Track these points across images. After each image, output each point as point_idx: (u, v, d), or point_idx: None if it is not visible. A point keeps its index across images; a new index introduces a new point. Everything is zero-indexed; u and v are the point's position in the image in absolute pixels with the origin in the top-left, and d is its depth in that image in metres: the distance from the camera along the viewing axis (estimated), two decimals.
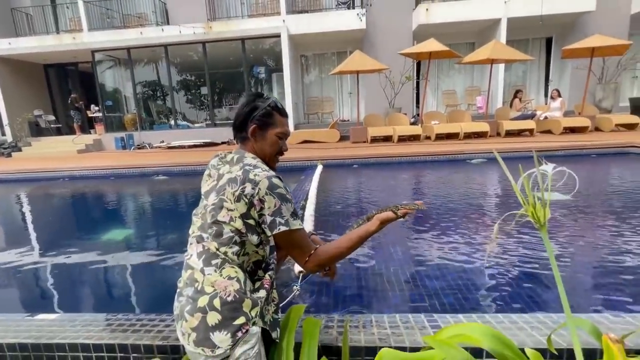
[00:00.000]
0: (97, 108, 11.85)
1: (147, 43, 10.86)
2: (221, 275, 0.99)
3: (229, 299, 0.95)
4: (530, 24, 10.35)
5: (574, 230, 2.84)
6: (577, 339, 0.82)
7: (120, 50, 11.24)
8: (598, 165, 5.65)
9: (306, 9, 11.45)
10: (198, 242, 1.05)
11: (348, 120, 11.81)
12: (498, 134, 8.57)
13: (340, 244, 1.11)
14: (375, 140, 8.83)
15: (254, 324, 0.96)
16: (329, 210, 3.86)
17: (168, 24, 11.55)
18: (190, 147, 10.24)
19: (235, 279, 1.00)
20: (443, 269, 2.18)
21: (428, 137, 8.76)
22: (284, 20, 10.45)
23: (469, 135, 8.59)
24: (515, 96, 9.48)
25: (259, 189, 1.00)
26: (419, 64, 11.84)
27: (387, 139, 8.82)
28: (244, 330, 0.94)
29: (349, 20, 10.27)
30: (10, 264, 2.81)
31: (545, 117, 8.82)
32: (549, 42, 11.59)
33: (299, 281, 1.71)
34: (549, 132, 8.64)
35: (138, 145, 11.10)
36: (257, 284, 1.08)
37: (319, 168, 5.66)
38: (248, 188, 1.00)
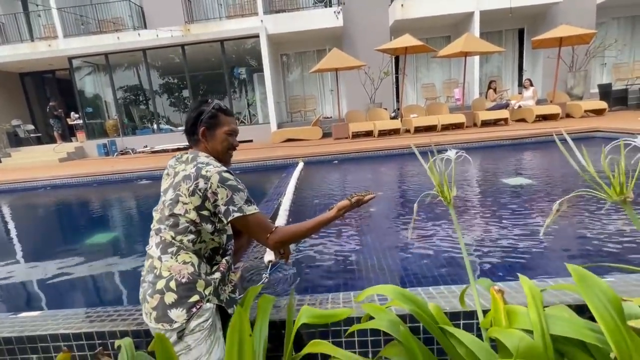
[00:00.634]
0: (77, 115, 11.71)
1: (124, 48, 10.79)
2: (177, 260, 1.13)
3: (183, 280, 1.10)
4: (502, 16, 10.66)
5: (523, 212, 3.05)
6: (476, 291, 0.98)
7: (98, 56, 11.14)
8: (570, 152, 5.93)
9: (283, 9, 11.53)
10: (156, 234, 1.19)
11: (331, 118, 11.96)
12: (475, 125, 8.85)
13: (300, 225, 1.27)
14: (356, 135, 9.02)
15: (208, 300, 1.11)
16: (307, 204, 4.01)
17: (145, 27, 11.47)
18: (174, 150, 10.25)
19: (190, 263, 1.14)
20: (403, 253, 2.36)
21: (408, 131, 8.98)
22: (261, 21, 10.52)
23: (447, 127, 8.84)
24: (489, 87, 9.78)
25: (211, 183, 1.13)
26: (397, 59, 12.06)
27: (369, 134, 9.02)
28: (198, 307, 1.08)
29: (326, 18, 10.41)
30: None
31: (519, 106, 9.14)
32: (521, 33, 11.94)
33: (268, 270, 1.86)
34: (523, 120, 8.96)
35: (121, 151, 11.04)
36: (215, 268, 1.22)
37: (300, 165, 5.80)
38: (201, 183, 1.14)
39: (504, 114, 8.62)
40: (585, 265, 0.90)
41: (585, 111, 8.73)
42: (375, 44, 10.06)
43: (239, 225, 1.20)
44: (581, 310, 1.08)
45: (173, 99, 13.11)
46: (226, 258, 1.25)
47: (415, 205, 1.11)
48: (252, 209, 1.18)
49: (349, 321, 1.26)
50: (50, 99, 12.14)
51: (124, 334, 1.38)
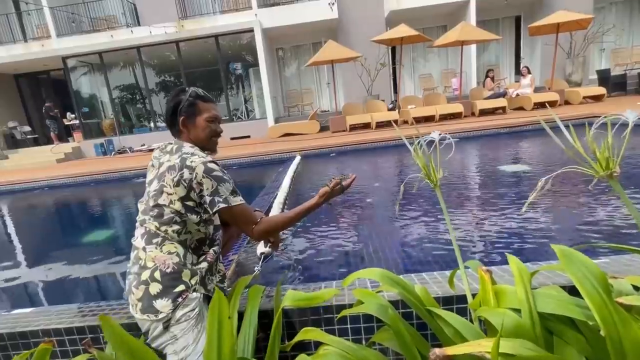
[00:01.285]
0: (73, 115, 11.67)
1: (118, 46, 10.71)
2: (161, 251, 1.12)
3: (168, 270, 1.08)
4: (498, 3, 10.54)
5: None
6: (464, 273, 0.97)
7: (92, 55, 11.06)
8: (561, 137, 5.89)
9: (278, 2, 11.41)
10: (141, 225, 1.18)
11: (328, 111, 11.90)
12: (473, 114, 8.80)
13: (284, 215, 1.27)
14: (354, 128, 8.97)
15: (194, 290, 1.10)
16: (305, 198, 4.00)
17: (139, 25, 11.38)
18: None
19: (175, 253, 1.12)
20: (402, 241, 2.35)
21: (406, 122, 8.93)
22: (256, 15, 10.42)
23: (445, 117, 8.79)
24: (487, 76, 9.70)
25: (196, 173, 1.12)
26: (394, 50, 11.95)
27: (366, 126, 8.97)
28: (184, 296, 1.07)
29: (321, 10, 10.30)
30: None
31: (517, 95, 9.08)
32: (518, 20, 11.82)
33: (260, 262, 1.85)
34: (521, 108, 8.90)
35: (119, 150, 11.01)
36: (202, 258, 1.20)
37: (297, 159, 5.78)
38: (186, 174, 1.12)
39: (501, 102, 8.57)
40: (577, 246, 0.88)
41: (584, 97, 8.66)
42: (370, 35, 9.97)
43: (225, 216, 1.19)
44: (574, 291, 1.06)
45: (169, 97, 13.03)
46: (214, 248, 1.24)
47: (402, 186, 1.09)
48: (237, 200, 1.16)
49: (342, 309, 1.25)
50: (46, 100, 12.09)
51: None
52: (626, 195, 0.81)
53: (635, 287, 0.85)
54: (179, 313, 1.06)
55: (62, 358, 1.40)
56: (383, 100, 9.91)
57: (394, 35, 8.59)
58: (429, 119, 8.77)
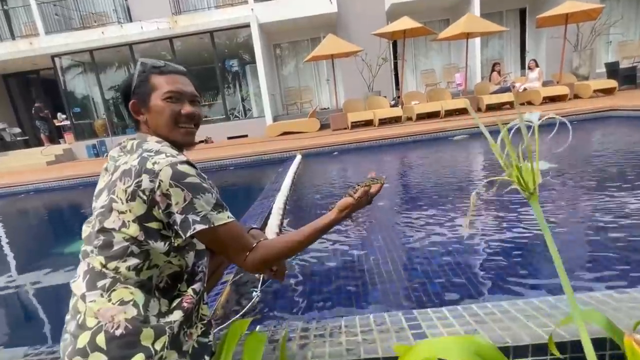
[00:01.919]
0: (64, 116, 11.27)
1: (110, 43, 10.30)
2: (109, 300, 0.74)
3: (117, 332, 0.71)
4: None
5: (564, 200, 2.68)
6: (587, 338, 0.61)
7: (83, 53, 10.65)
8: (580, 131, 5.55)
9: None
10: (83, 259, 0.80)
11: (328, 108, 11.54)
12: (479, 109, 8.45)
13: (290, 237, 0.89)
14: (356, 125, 8.62)
15: (160, 359, 0.73)
16: (307, 201, 3.64)
17: (131, 21, 10.97)
18: None
19: (131, 303, 0.75)
20: (426, 254, 1.99)
21: (409, 118, 8.58)
22: (252, 9, 10.04)
23: (450, 113, 8.44)
24: (493, 69, 9.36)
25: (160, 181, 0.75)
26: (395, 45, 11.59)
27: (368, 123, 8.62)
28: None
29: (319, 3, 9.92)
30: None
31: (525, 89, 8.73)
32: (522, 13, 11.47)
33: (260, 285, 1.49)
34: (529, 103, 8.56)
35: None
36: (175, 304, 0.82)
37: (298, 158, 5.42)
38: (145, 181, 0.75)
39: (509, 97, 8.22)
40: None
41: (594, 91, 8.33)
42: (371, 30, 9.58)
43: (205, 241, 0.83)
44: None
45: None
46: (194, 287, 0.85)
47: (473, 195, 0.74)
48: (222, 218, 0.80)
49: None
50: (35, 100, 11.67)
51: None
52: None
53: None
54: None
55: None
56: (385, 97, 9.56)
57: (396, 28, 8.23)
58: (433, 115, 8.41)
